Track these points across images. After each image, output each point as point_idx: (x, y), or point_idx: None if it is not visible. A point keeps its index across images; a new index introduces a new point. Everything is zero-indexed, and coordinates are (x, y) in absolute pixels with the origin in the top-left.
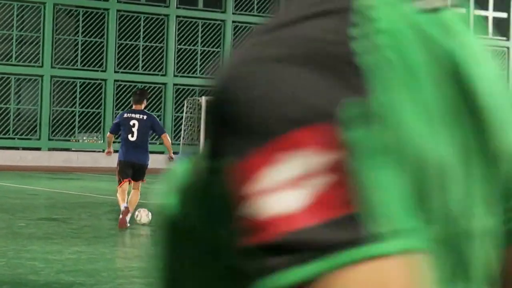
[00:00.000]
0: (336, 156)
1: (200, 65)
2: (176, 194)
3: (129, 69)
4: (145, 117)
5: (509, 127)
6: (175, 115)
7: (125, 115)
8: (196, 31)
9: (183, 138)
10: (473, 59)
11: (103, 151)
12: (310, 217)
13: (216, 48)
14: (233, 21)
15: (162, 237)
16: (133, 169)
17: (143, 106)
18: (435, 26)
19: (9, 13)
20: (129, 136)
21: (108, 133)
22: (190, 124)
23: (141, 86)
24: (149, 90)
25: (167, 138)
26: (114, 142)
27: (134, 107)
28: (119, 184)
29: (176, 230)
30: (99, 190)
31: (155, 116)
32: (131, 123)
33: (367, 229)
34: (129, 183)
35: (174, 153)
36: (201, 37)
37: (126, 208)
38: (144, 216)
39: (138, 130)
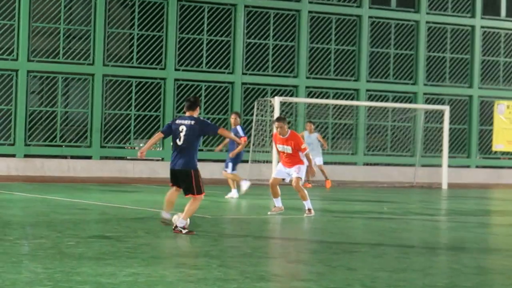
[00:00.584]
0: None
1: (272, 61)
2: None
3: (191, 66)
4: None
5: None
6: (243, 118)
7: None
8: (268, 23)
9: (252, 144)
10: None
11: (162, 159)
12: None
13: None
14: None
15: None
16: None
17: (196, 113)
18: None
19: (56, 4)
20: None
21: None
22: (261, 128)
23: (205, 85)
24: (214, 89)
25: (224, 130)
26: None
27: (187, 113)
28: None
29: None
30: (158, 204)
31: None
32: (180, 128)
33: None
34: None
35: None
36: (273, 30)
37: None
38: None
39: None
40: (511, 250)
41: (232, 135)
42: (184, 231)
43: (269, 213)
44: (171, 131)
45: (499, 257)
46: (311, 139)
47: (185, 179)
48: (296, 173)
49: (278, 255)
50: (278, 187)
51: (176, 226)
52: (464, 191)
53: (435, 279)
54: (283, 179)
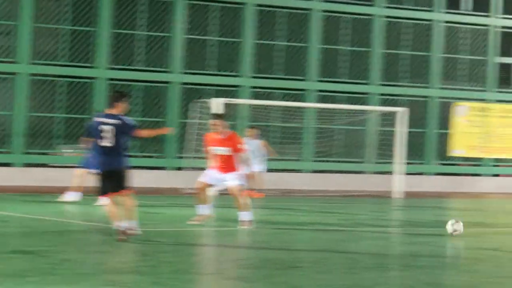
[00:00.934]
0: None
1: (214, 59)
2: None
3: (124, 64)
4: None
5: None
6: (179, 121)
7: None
8: (211, 17)
9: (188, 151)
10: None
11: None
12: None
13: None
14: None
15: None
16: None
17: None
18: None
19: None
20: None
21: None
22: (200, 132)
23: (139, 86)
24: (149, 90)
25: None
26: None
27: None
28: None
29: None
30: (85, 216)
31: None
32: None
33: None
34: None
35: None
36: (213, 25)
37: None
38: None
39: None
40: (467, 265)
41: (152, 132)
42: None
43: (189, 222)
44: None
45: (454, 272)
46: (252, 146)
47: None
48: (233, 180)
49: (215, 271)
50: (207, 193)
51: (124, 232)
52: (420, 200)
53: None
54: (212, 185)
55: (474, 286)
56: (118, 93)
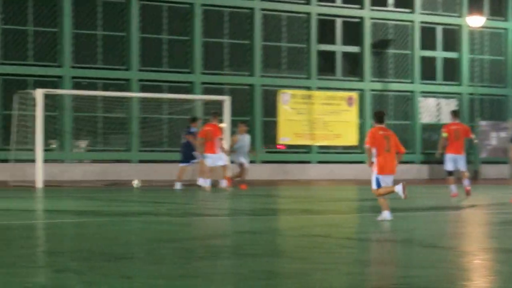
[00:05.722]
0: None
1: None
2: None
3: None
4: None
5: None
6: (1, 113)
7: None
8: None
9: (14, 143)
10: None
11: None
12: None
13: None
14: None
15: None
16: None
17: None
18: None
19: None
20: None
21: None
22: (24, 123)
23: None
24: None
25: None
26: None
27: None
28: None
29: None
30: None
31: None
32: None
33: None
34: None
35: None
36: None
37: None
38: None
39: None
40: (299, 253)
41: None
42: None
43: None
44: None
45: (286, 260)
46: (243, 142)
47: None
48: None
49: (45, 264)
50: None
51: None
52: (251, 189)
53: (219, 285)
54: None
55: (306, 274)
56: None
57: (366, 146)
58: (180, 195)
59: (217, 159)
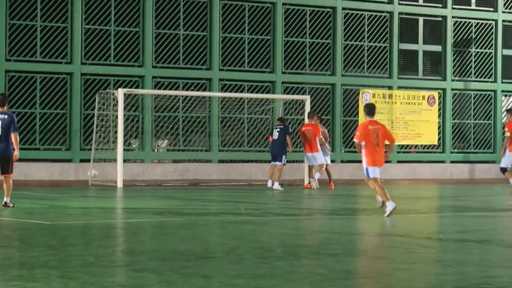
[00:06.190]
0: None
1: (115, 49)
2: None
3: (24, 56)
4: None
5: None
6: (83, 112)
7: None
8: (109, 6)
9: (95, 142)
10: None
11: None
12: None
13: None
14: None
15: None
16: None
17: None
18: None
19: None
20: None
21: None
22: (105, 123)
23: (40, 77)
24: (50, 81)
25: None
26: None
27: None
28: None
29: None
30: None
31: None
32: None
33: None
34: None
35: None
36: (114, 15)
37: None
38: None
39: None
40: (378, 252)
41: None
42: (11, 205)
43: None
44: None
45: (366, 260)
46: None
47: (4, 163)
48: None
49: (124, 264)
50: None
51: (5, 203)
52: (328, 189)
53: (297, 285)
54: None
55: (385, 274)
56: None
57: (355, 140)
58: (269, 194)
59: (319, 157)
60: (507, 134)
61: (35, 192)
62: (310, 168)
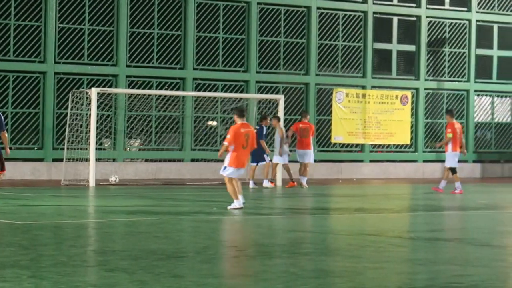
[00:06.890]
0: None
1: (88, 48)
2: None
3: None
4: None
5: None
6: (56, 112)
7: None
8: (83, 5)
9: (67, 141)
10: None
11: None
12: None
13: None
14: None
15: None
16: None
17: None
18: None
19: None
20: None
21: None
22: (77, 123)
23: (13, 76)
24: (24, 80)
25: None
26: None
27: None
28: None
29: None
30: None
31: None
32: None
33: None
34: None
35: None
36: (88, 14)
37: None
38: None
39: None
40: (351, 251)
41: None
42: None
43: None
44: None
45: (338, 259)
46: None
47: None
48: None
49: (96, 263)
50: None
51: None
52: (301, 188)
53: (270, 285)
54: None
55: (358, 272)
56: None
57: (225, 143)
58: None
59: (310, 155)
60: (450, 135)
61: (6, 192)
62: (305, 166)
